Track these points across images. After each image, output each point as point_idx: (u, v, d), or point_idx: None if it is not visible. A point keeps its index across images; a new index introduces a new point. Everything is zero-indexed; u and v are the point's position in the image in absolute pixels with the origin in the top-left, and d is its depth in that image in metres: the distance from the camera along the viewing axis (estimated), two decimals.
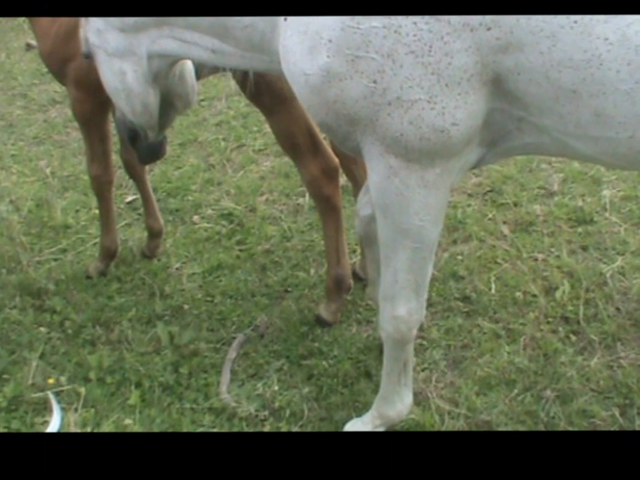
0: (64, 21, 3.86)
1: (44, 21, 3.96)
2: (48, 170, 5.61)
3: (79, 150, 5.87)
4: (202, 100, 6.53)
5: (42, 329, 3.99)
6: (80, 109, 4.04)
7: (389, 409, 3.17)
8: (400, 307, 2.83)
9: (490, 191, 4.98)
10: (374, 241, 3.20)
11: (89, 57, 3.17)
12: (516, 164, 5.21)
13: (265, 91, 3.58)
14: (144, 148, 3.50)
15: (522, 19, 2.18)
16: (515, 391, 3.42)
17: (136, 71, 3.04)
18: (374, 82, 2.33)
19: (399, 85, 2.31)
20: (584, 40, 2.15)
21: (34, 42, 7.76)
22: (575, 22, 2.15)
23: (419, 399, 3.42)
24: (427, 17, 2.23)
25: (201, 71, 3.47)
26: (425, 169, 2.48)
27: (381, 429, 3.22)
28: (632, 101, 2.20)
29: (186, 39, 2.85)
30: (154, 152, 3.54)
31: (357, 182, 4.03)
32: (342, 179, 3.91)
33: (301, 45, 2.42)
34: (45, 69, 7.14)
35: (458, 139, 2.40)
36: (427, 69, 2.27)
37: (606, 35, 2.14)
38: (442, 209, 2.62)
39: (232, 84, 6.36)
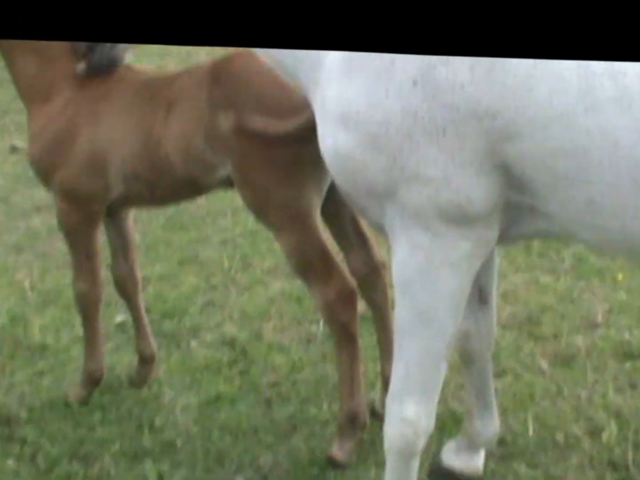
0: (58, 125, 3.95)
1: (39, 121, 4.03)
2: (27, 283, 5.59)
3: (63, 262, 5.77)
4: (204, 215, 6.55)
5: (9, 462, 3.89)
6: (66, 221, 4.08)
7: None
8: (409, 408, 2.93)
9: (526, 322, 4.93)
10: (474, 361, 3.50)
11: None
12: (555, 293, 5.18)
13: (275, 208, 3.63)
14: (105, 54, 3.59)
15: (521, 109, 2.56)
16: None
17: None
18: (394, 158, 2.70)
19: (416, 163, 2.68)
20: (570, 131, 2.52)
21: (19, 144, 7.87)
22: (562, 115, 2.52)
23: None
24: (440, 104, 2.63)
25: None
26: (449, 247, 2.77)
27: None
28: (617, 191, 2.53)
29: None
30: (114, 60, 3.65)
31: (377, 308, 4.03)
32: (360, 305, 3.88)
33: (336, 108, 2.79)
34: (30, 173, 7.17)
35: (474, 217, 2.73)
36: (441, 149, 2.65)
37: (587, 127, 2.50)
38: (463, 297, 2.87)
39: (239, 198, 6.43)
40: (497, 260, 3.48)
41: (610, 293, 5.18)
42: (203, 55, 10.35)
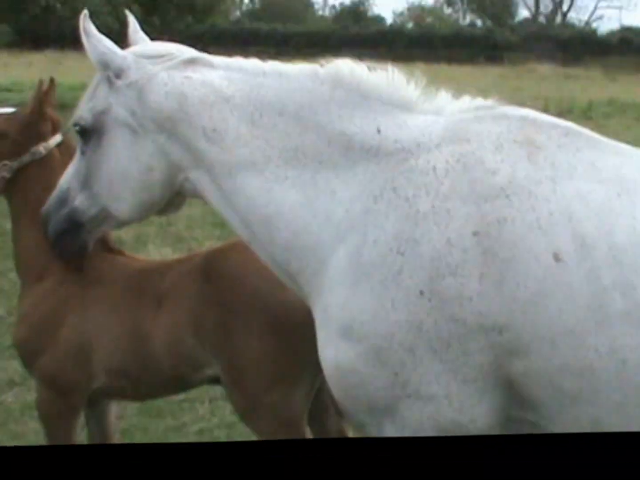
0: (46, 308, 3.85)
1: (29, 301, 3.93)
2: None
3: (37, 444, 5.62)
4: (182, 401, 6.37)
5: None
6: (46, 410, 3.94)
7: None
8: None
9: None
10: None
11: (82, 127, 3.16)
12: None
13: (265, 413, 3.55)
14: (75, 243, 3.47)
15: (528, 325, 2.52)
16: None
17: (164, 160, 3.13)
18: (395, 374, 2.63)
19: (418, 379, 2.61)
20: (578, 349, 2.48)
21: None
22: (571, 331, 2.49)
23: None
24: (447, 316, 2.56)
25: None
26: None
27: None
28: (624, 413, 2.48)
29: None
30: (81, 249, 3.53)
31: None
32: None
33: (339, 318, 2.72)
34: (6, 343, 7.00)
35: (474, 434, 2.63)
36: (445, 365, 2.58)
37: (597, 346, 2.46)
38: None
39: (218, 387, 6.27)
40: None
41: None
42: (181, 225, 10.39)
